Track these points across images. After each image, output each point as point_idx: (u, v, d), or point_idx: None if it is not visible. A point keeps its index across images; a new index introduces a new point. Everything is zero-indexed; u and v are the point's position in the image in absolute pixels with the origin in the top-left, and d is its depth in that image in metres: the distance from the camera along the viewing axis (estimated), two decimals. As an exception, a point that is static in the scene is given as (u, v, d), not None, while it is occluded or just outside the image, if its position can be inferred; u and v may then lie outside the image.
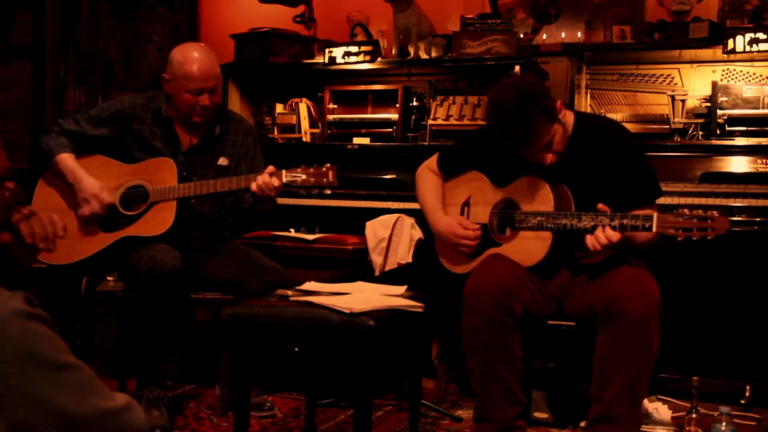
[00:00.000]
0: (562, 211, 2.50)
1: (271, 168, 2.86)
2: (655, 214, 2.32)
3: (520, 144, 2.47)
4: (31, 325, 0.97)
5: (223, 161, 3.09)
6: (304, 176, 2.85)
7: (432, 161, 2.93)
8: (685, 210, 2.28)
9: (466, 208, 2.78)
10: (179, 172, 2.95)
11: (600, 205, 2.40)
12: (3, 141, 1.51)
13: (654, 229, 2.30)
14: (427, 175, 2.92)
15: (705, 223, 2.24)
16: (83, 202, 2.96)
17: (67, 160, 3.01)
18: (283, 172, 2.86)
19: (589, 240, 2.40)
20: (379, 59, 3.88)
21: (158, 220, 2.90)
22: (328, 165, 2.86)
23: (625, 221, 2.36)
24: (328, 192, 3.57)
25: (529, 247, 2.55)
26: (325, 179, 2.85)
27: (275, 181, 2.83)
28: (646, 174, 2.60)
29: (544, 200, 2.53)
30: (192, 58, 2.96)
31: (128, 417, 1.05)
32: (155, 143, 3.04)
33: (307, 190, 2.99)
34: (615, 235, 2.36)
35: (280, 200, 3.56)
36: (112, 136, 3.06)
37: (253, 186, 2.83)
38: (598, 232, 2.38)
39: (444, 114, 3.76)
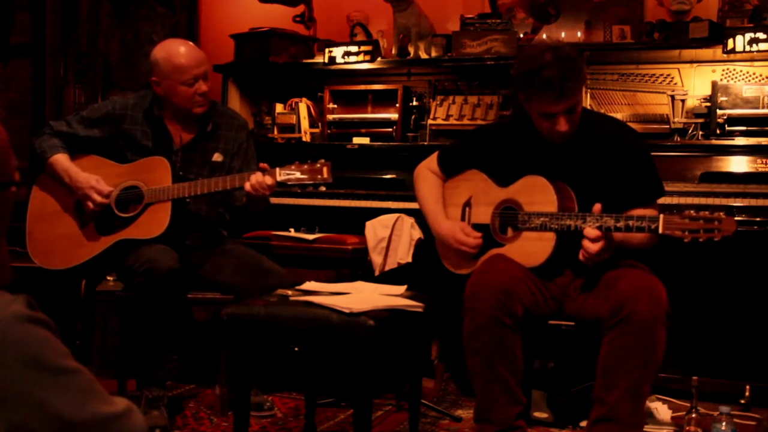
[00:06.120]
0: (565, 211, 2.48)
1: (264, 166, 2.84)
2: (661, 216, 2.28)
3: (562, 92, 2.38)
4: (32, 329, 0.97)
5: (217, 157, 3.07)
6: (298, 173, 2.82)
7: (432, 161, 2.88)
8: (692, 211, 2.24)
9: (467, 209, 2.74)
10: (174, 171, 2.94)
11: (596, 207, 2.38)
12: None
13: (660, 230, 2.27)
14: (427, 175, 2.87)
15: (712, 224, 2.21)
16: (85, 198, 2.95)
17: (61, 160, 2.99)
18: (277, 170, 2.82)
19: (581, 251, 2.39)
20: (379, 59, 3.88)
21: (154, 222, 2.89)
22: (323, 161, 2.82)
23: (630, 222, 2.32)
24: (323, 189, 3.56)
25: (532, 248, 2.53)
26: (319, 176, 2.81)
27: (269, 180, 2.80)
28: (650, 173, 2.59)
29: (548, 200, 2.51)
30: (176, 51, 2.98)
31: (128, 422, 1.05)
32: (147, 143, 3.03)
33: (302, 188, 2.94)
34: (593, 233, 2.34)
35: (280, 200, 3.57)
36: (104, 137, 3.05)
37: (247, 186, 2.80)
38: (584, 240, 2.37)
39: (444, 114, 3.76)
